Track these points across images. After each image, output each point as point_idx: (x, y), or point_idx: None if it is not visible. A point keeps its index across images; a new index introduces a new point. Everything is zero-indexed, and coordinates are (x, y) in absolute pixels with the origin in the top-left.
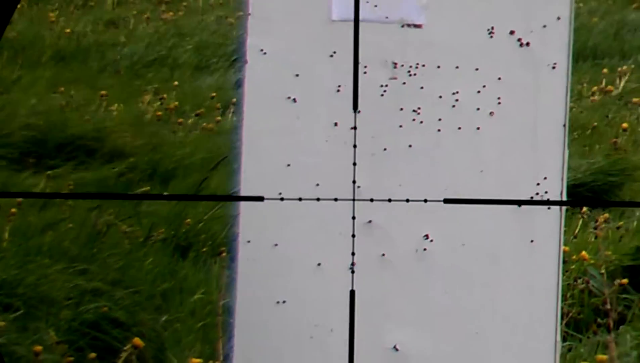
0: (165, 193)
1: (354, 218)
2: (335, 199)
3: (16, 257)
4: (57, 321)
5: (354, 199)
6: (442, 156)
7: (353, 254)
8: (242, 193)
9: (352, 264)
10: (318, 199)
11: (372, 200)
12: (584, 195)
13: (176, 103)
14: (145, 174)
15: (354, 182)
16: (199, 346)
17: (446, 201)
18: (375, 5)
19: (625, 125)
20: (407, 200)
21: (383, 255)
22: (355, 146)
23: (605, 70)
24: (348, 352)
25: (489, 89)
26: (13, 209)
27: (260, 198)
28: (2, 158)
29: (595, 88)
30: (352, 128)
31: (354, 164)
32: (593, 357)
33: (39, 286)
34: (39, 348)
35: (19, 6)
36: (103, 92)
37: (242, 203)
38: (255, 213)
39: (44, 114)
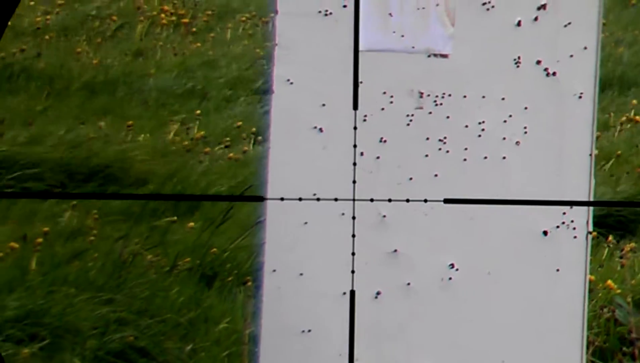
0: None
1: (354, 218)
2: (335, 200)
3: (42, 287)
4: (82, 350)
5: (354, 200)
6: (468, 185)
7: (353, 254)
8: (268, 223)
9: (378, 293)
10: (318, 199)
11: (372, 200)
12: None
13: (202, 133)
14: (171, 203)
15: (354, 182)
16: None
17: (446, 201)
18: (402, 35)
19: None
20: (407, 200)
21: (408, 284)
22: (355, 146)
23: (634, 101)
24: (348, 352)
25: (515, 119)
26: (39, 239)
27: (260, 198)
28: (28, 188)
29: (623, 118)
30: (353, 128)
31: (354, 164)
32: None
33: (65, 315)
34: None
35: (46, 37)
36: (130, 122)
37: (268, 233)
38: (281, 242)
39: (71, 144)
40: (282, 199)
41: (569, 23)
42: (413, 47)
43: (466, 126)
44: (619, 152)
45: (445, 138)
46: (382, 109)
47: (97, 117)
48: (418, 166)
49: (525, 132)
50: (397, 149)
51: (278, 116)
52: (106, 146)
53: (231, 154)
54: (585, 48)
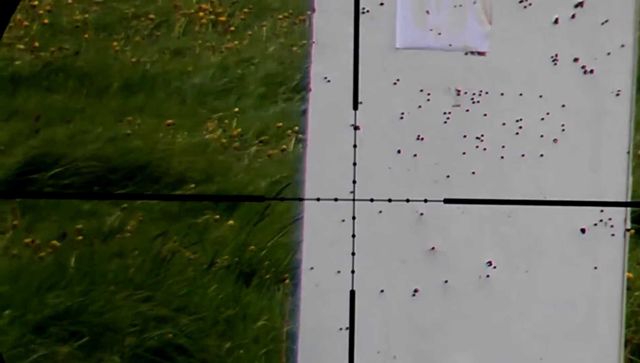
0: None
1: (354, 218)
2: (335, 200)
3: (81, 285)
4: (121, 348)
5: (354, 200)
6: (505, 183)
7: (353, 254)
8: (305, 221)
9: (415, 290)
10: (318, 199)
11: (372, 200)
12: None
13: (240, 130)
14: (210, 202)
15: (354, 182)
16: None
17: (446, 201)
18: (439, 33)
19: None
20: (407, 200)
21: (446, 281)
22: (355, 146)
23: None
24: (348, 354)
25: (553, 116)
26: (79, 237)
27: (261, 198)
28: (68, 187)
29: None
30: (354, 128)
31: (354, 164)
32: None
33: (103, 313)
34: None
35: (85, 36)
36: (169, 121)
37: (306, 231)
38: (319, 239)
39: (109, 143)
40: (282, 199)
41: (606, 21)
42: (450, 45)
43: (503, 124)
44: None
45: (482, 135)
46: (419, 106)
47: (135, 115)
48: (455, 164)
49: (563, 130)
50: (434, 147)
51: (316, 114)
52: (145, 144)
53: (270, 152)
54: (623, 46)
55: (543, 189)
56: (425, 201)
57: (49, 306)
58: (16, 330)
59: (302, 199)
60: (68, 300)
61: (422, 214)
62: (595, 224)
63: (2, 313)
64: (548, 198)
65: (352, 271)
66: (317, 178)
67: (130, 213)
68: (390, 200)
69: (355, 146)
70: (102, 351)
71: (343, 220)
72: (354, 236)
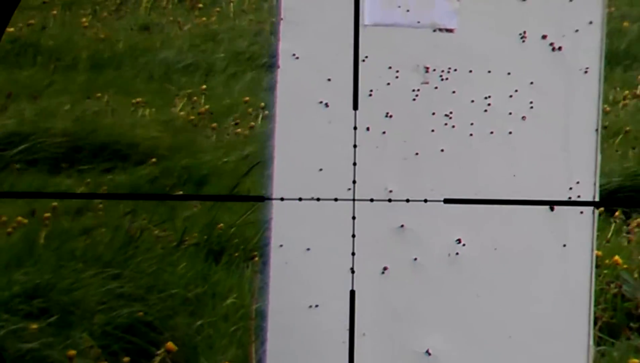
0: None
1: (354, 218)
2: (335, 200)
3: (50, 262)
4: (90, 325)
5: (354, 200)
6: (474, 160)
7: (353, 254)
8: (274, 199)
9: (385, 268)
10: (318, 199)
11: (372, 200)
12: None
13: (208, 107)
14: (179, 179)
15: (354, 182)
16: (232, 350)
17: (446, 201)
18: (407, 10)
19: None
20: (407, 200)
21: (415, 259)
22: (355, 146)
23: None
24: (348, 355)
25: (521, 94)
26: (47, 214)
27: (261, 198)
28: (37, 162)
29: (627, 92)
30: (353, 128)
31: (354, 164)
32: (626, 361)
33: (73, 291)
34: (72, 352)
35: (53, 12)
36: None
37: (275, 207)
38: (288, 217)
39: (77, 119)
40: (282, 199)
41: None
42: (418, 22)
43: (472, 101)
44: (628, 128)
45: (451, 112)
46: (388, 84)
47: (103, 91)
48: (424, 141)
49: (532, 108)
50: (402, 124)
51: (284, 91)
52: (113, 121)
53: (238, 130)
54: (591, 23)
55: (512, 167)
56: (425, 201)
57: (17, 283)
58: None
59: (301, 200)
60: (37, 277)
61: (391, 191)
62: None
63: None
64: (517, 176)
65: (352, 271)
66: (285, 155)
67: (98, 189)
68: (390, 200)
69: (355, 146)
70: (71, 328)
71: (312, 197)
72: (354, 236)
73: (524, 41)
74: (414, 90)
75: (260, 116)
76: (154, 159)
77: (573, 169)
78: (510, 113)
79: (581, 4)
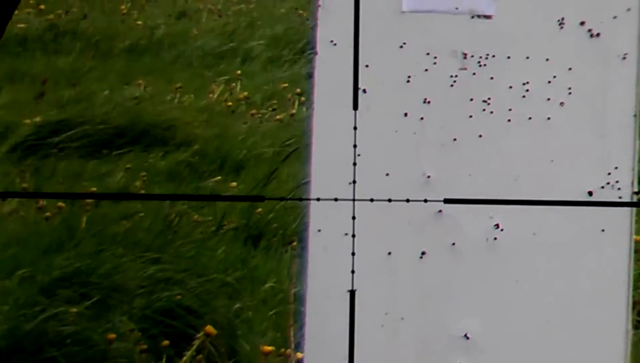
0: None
1: (354, 218)
2: (335, 200)
3: (90, 246)
4: (130, 309)
5: (354, 200)
6: (512, 146)
7: (353, 254)
8: (313, 185)
9: (423, 253)
10: (318, 199)
11: (372, 200)
12: None
13: (246, 94)
14: (216, 164)
15: (354, 182)
16: (271, 334)
17: (446, 201)
18: None
19: None
20: (407, 200)
21: (453, 244)
22: (355, 146)
23: None
24: (348, 352)
25: (560, 80)
26: (89, 200)
27: (261, 198)
28: (77, 149)
29: None
30: (353, 128)
31: (354, 164)
32: None
33: (112, 274)
34: (112, 336)
35: None
36: (177, 84)
37: (313, 194)
38: (326, 202)
39: (116, 105)
40: (282, 199)
41: None
42: (456, 8)
43: (510, 87)
44: None
45: (489, 98)
46: (426, 70)
47: (141, 78)
48: (462, 127)
49: (570, 93)
50: (440, 110)
51: (322, 77)
52: (151, 107)
53: (277, 116)
54: (629, 10)
55: (550, 152)
56: (425, 201)
57: (57, 268)
58: (26, 291)
59: (301, 200)
60: (77, 261)
61: (429, 176)
62: (602, 187)
63: (11, 274)
64: (555, 161)
65: (352, 271)
66: (323, 142)
67: (137, 174)
68: (390, 200)
69: (355, 146)
70: (111, 312)
71: (350, 183)
72: (354, 236)
73: (562, 27)
74: (451, 76)
75: (298, 102)
76: (195, 146)
77: (611, 154)
78: (548, 99)
79: None
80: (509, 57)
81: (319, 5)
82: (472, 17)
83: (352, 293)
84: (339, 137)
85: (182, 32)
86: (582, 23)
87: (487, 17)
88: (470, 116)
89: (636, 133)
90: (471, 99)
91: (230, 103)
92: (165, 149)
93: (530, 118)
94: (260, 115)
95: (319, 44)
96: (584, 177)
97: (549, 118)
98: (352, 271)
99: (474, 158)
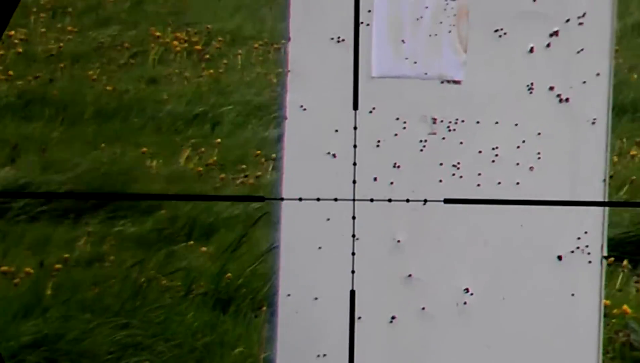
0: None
1: (354, 218)
2: (335, 200)
3: (59, 312)
4: None
5: (354, 200)
6: (482, 210)
7: (353, 254)
8: (282, 248)
9: (393, 317)
10: (318, 199)
11: (372, 200)
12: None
13: (216, 159)
14: (186, 229)
15: (354, 182)
16: None
17: (446, 201)
18: (415, 62)
19: None
20: (407, 200)
21: (423, 308)
22: (355, 146)
23: None
24: (348, 354)
25: (529, 144)
26: (58, 265)
27: (261, 198)
28: (44, 213)
29: (635, 143)
30: (353, 128)
31: (354, 164)
32: None
33: (81, 340)
34: None
35: (61, 65)
36: (146, 149)
37: (282, 258)
38: (296, 267)
39: (85, 170)
40: (282, 199)
41: (582, 50)
42: (426, 74)
43: (480, 152)
44: (634, 178)
45: (458, 163)
46: (396, 135)
47: (111, 143)
48: (432, 191)
49: (539, 158)
50: (410, 174)
51: (291, 142)
52: (120, 172)
53: (245, 180)
54: (598, 74)
55: (520, 217)
56: (425, 201)
57: (25, 334)
58: None
59: (301, 200)
60: (45, 327)
61: (399, 241)
62: (572, 252)
63: None
64: (524, 226)
65: (352, 271)
66: (293, 204)
67: (104, 240)
68: (390, 200)
69: (355, 146)
70: None
71: (320, 247)
72: (354, 236)
73: (531, 92)
74: (421, 141)
75: (268, 166)
76: (163, 211)
77: (581, 219)
78: (517, 164)
79: (588, 55)
80: (478, 122)
81: (289, 71)
82: (442, 82)
83: (352, 293)
84: (308, 201)
85: (152, 97)
86: (552, 88)
87: (456, 82)
88: (440, 181)
89: (606, 198)
90: (441, 164)
91: (200, 168)
92: (134, 214)
93: (499, 183)
94: (229, 179)
95: (289, 108)
96: (554, 241)
97: (518, 183)
98: (352, 271)
99: (443, 222)
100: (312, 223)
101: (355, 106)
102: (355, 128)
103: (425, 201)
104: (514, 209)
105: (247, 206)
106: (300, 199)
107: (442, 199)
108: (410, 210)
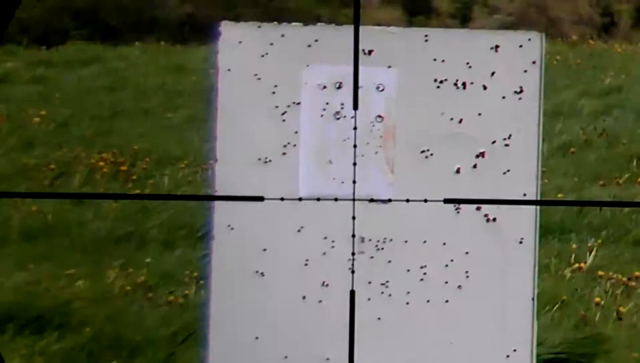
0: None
1: (354, 218)
2: (336, 200)
3: None
4: None
5: (354, 200)
6: (411, 329)
7: (353, 254)
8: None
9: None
10: (318, 199)
11: (372, 200)
12: None
13: (143, 278)
14: (112, 348)
15: (354, 182)
16: None
17: (446, 201)
18: (343, 182)
19: (597, 299)
20: (407, 200)
21: None
22: (355, 146)
23: (573, 245)
24: (349, 348)
25: (457, 263)
26: None
27: (260, 198)
28: None
29: (563, 263)
30: (353, 128)
31: (354, 164)
32: None
33: None
34: None
35: None
36: (72, 270)
37: None
38: None
39: (10, 291)
40: (318, 199)
41: (508, 170)
42: (354, 193)
43: (408, 271)
44: (564, 297)
45: (387, 281)
46: (324, 254)
47: (35, 264)
48: (361, 310)
49: (467, 277)
50: (339, 293)
51: (219, 261)
52: (44, 292)
53: (174, 300)
54: (525, 195)
55: (449, 335)
56: (425, 201)
57: None
58: None
59: (301, 200)
60: None
61: (328, 359)
62: None
63: None
64: (454, 343)
65: (352, 271)
66: (221, 325)
67: (31, 359)
68: (389, 200)
69: (355, 146)
70: None
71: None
72: (353, 236)
73: (458, 212)
74: (349, 259)
75: (195, 286)
76: (88, 329)
77: (510, 337)
78: (446, 282)
79: (515, 176)
80: (406, 241)
81: (216, 191)
82: (370, 201)
83: (352, 292)
84: (235, 321)
85: (77, 218)
86: (479, 208)
87: (384, 201)
88: (369, 299)
89: (534, 317)
90: (369, 282)
91: (127, 287)
92: (59, 333)
93: (428, 301)
94: (156, 299)
95: (216, 228)
96: (483, 360)
97: (447, 301)
98: (352, 271)
99: (373, 342)
100: (241, 342)
101: (356, 106)
102: (355, 128)
103: (426, 200)
104: (443, 328)
105: (175, 326)
106: (318, 199)
107: (442, 199)
108: (339, 327)
